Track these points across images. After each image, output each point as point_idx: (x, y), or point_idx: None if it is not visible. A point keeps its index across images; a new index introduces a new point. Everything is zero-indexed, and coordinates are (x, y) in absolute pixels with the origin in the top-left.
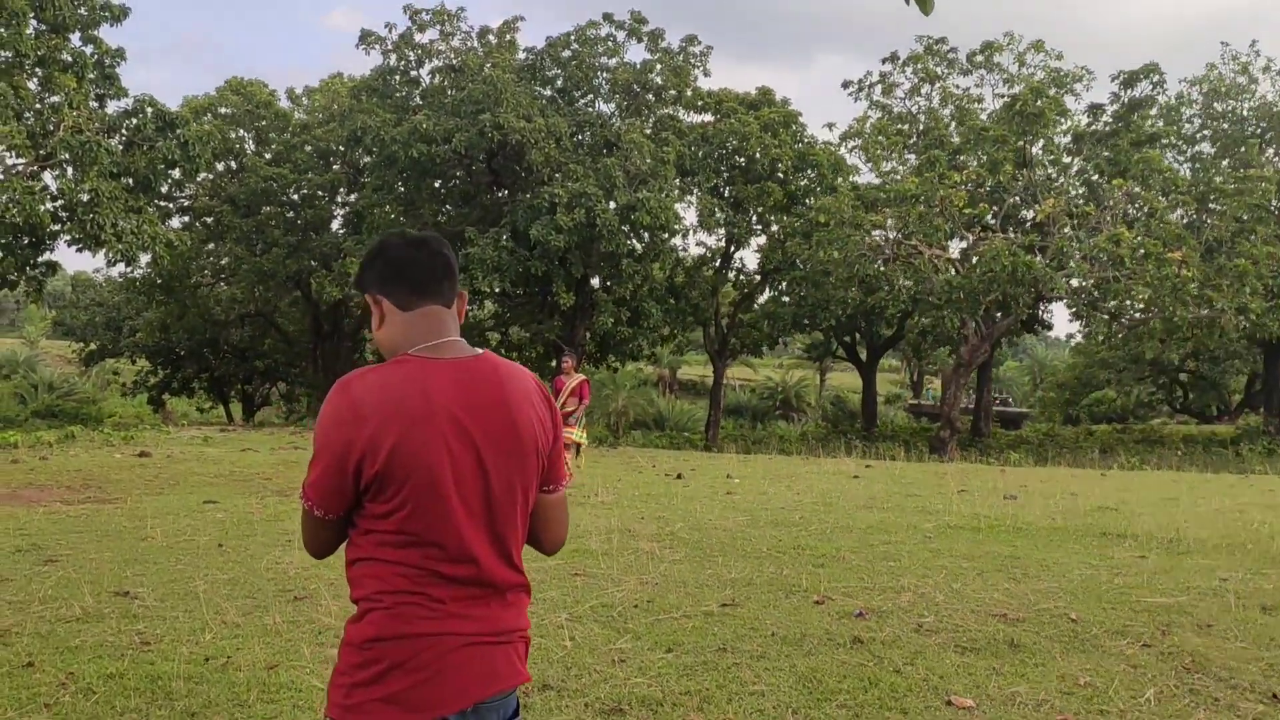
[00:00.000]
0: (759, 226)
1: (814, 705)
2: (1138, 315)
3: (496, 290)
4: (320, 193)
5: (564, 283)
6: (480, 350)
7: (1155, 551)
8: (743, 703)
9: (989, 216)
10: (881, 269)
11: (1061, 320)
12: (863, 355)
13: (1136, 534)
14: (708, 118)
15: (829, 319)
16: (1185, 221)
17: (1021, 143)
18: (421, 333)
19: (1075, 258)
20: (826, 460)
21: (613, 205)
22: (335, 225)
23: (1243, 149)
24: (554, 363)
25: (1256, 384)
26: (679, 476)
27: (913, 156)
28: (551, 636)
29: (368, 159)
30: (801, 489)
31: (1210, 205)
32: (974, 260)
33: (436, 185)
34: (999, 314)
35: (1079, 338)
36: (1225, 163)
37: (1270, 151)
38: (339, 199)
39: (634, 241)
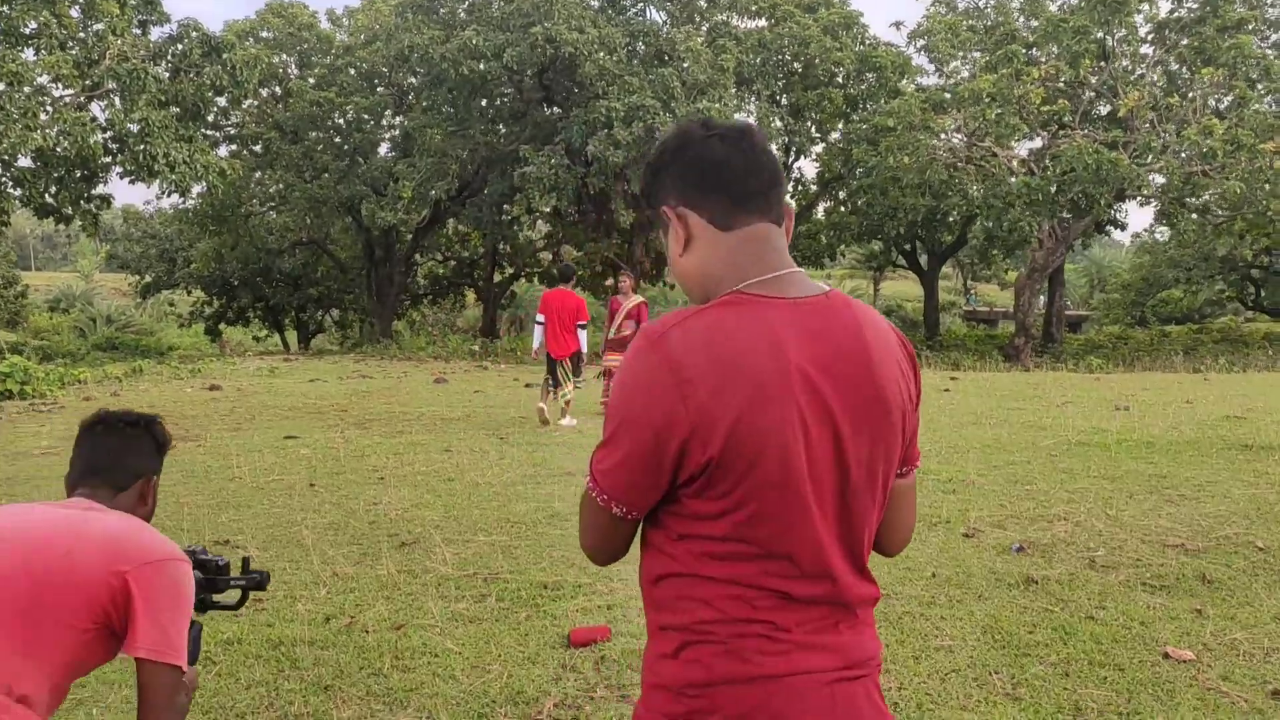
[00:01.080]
0: (817, 135)
1: (1013, 662)
2: (1226, 211)
3: (548, 210)
4: (366, 116)
5: (623, 200)
6: (826, 286)
7: None
8: (931, 660)
9: (1066, 115)
10: (954, 173)
11: (1136, 219)
12: (924, 263)
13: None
14: (762, 23)
15: (896, 227)
16: (1276, 111)
17: (1101, 33)
18: (750, 261)
19: (1162, 152)
20: None
21: (670, 118)
22: (383, 149)
23: None
24: (610, 282)
25: None
26: None
27: (977, 54)
28: None
29: (413, 80)
30: None
31: None
32: (1049, 160)
33: (484, 104)
34: (1069, 216)
35: (1145, 237)
36: None
37: None
38: (385, 122)
39: None
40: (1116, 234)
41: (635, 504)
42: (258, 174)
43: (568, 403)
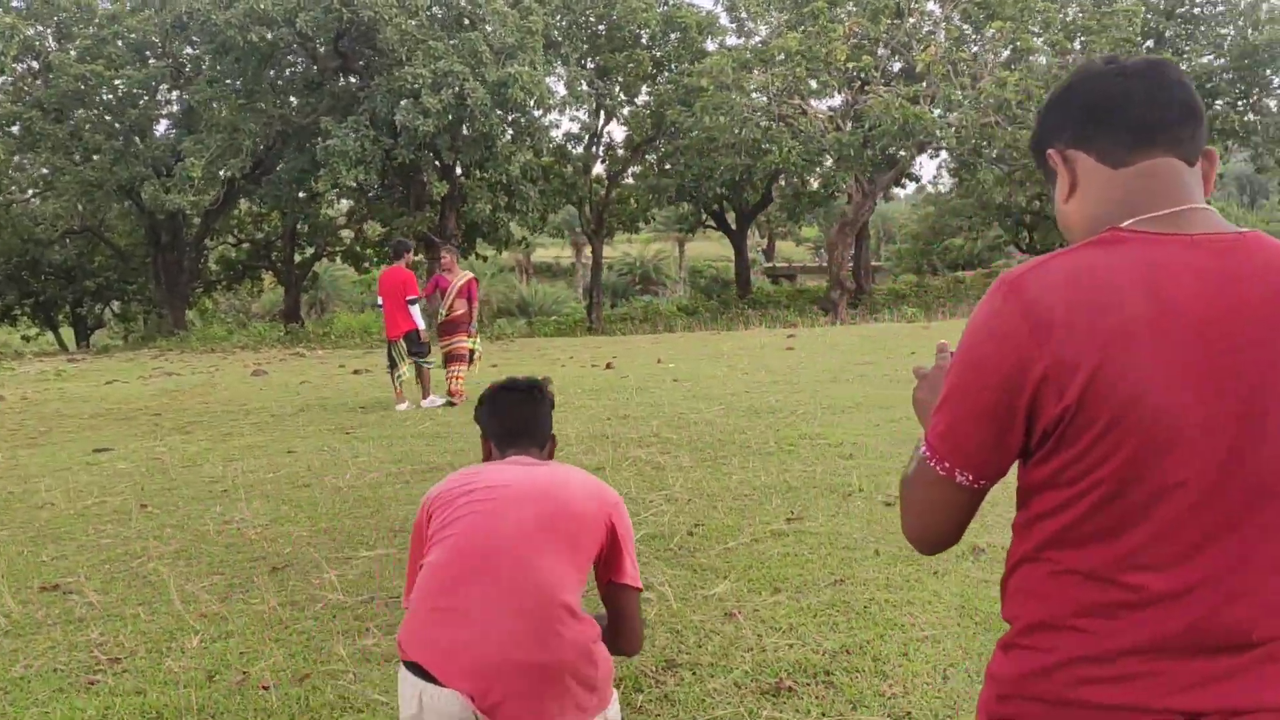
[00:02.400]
0: (624, 97)
1: (979, 648)
2: (1018, 160)
3: (354, 185)
4: (139, 90)
5: (435, 171)
6: (1242, 228)
7: None
8: (922, 655)
9: (871, 70)
10: (768, 130)
11: (925, 171)
12: (732, 223)
13: None
14: None
15: (713, 187)
16: (1059, 62)
17: None
18: (1143, 198)
19: (962, 105)
20: (741, 333)
21: (480, 84)
22: (162, 126)
23: None
24: (420, 258)
25: None
26: (609, 366)
27: (775, 15)
28: None
29: (190, 49)
30: (747, 367)
31: (1074, 44)
32: (855, 116)
33: (274, 74)
34: (875, 170)
35: (929, 189)
36: None
37: None
38: (161, 97)
39: (507, 121)
40: (895, 189)
41: (983, 468)
42: (17, 158)
43: (402, 385)
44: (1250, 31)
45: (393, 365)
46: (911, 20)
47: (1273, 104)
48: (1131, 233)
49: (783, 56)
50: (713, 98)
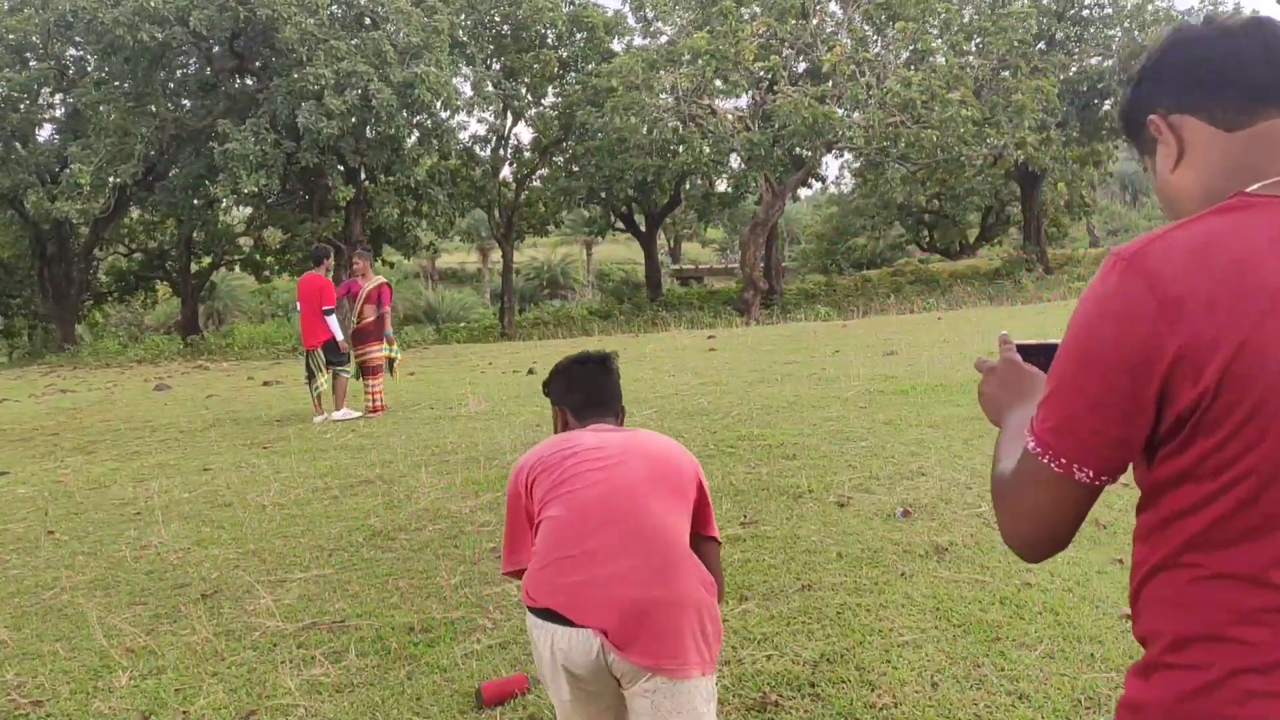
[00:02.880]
0: (531, 98)
1: (989, 650)
2: (922, 160)
3: (255, 191)
4: (19, 94)
5: (340, 175)
6: None
7: None
8: (907, 661)
9: (780, 70)
10: (679, 131)
11: (832, 172)
12: (641, 225)
13: None
14: None
15: (624, 189)
16: (959, 62)
17: None
18: (1268, 159)
19: (868, 105)
20: (660, 335)
21: (386, 85)
22: (46, 131)
23: None
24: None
25: (990, 218)
26: (531, 371)
27: (682, 14)
28: None
29: (74, 50)
30: (672, 369)
31: (970, 45)
32: (763, 116)
33: (164, 75)
34: (785, 170)
35: (833, 189)
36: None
37: None
38: (44, 100)
39: (413, 122)
40: (801, 189)
41: (1105, 463)
42: None
43: (319, 396)
44: (1137, 33)
45: (311, 376)
46: (815, 21)
47: None
48: (1261, 197)
49: (690, 56)
50: (622, 98)
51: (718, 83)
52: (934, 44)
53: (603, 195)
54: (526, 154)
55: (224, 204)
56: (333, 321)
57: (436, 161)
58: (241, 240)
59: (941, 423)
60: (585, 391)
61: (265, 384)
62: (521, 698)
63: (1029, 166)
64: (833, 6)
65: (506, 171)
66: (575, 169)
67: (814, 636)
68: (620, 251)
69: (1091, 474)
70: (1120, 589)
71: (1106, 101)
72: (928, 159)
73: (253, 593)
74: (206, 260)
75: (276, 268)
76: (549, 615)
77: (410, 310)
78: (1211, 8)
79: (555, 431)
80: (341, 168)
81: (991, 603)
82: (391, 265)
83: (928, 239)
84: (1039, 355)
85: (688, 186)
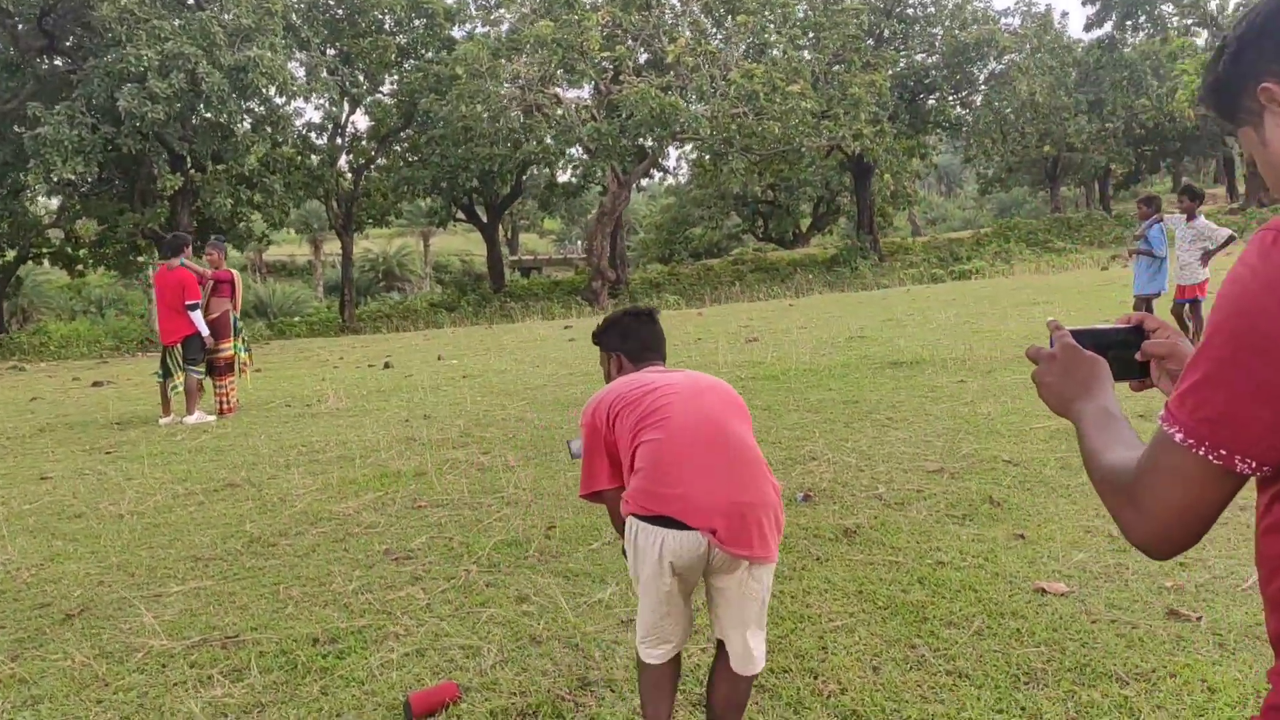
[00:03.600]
0: (367, 85)
1: (920, 630)
2: (764, 150)
3: (71, 178)
4: None
5: (167, 162)
6: None
7: (963, 373)
8: (843, 646)
9: (627, 60)
10: (526, 120)
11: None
12: (483, 216)
13: (921, 360)
14: None
15: (470, 179)
16: (797, 55)
17: None
18: None
19: (714, 96)
20: (514, 326)
21: (215, 68)
22: None
23: None
24: (142, 259)
25: (821, 208)
26: (387, 365)
27: (525, 2)
28: (506, 604)
29: None
30: (535, 360)
31: (805, 39)
32: (608, 106)
33: None
34: (631, 160)
35: (670, 180)
36: None
37: None
38: None
39: (246, 108)
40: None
41: (1269, 453)
42: None
43: (174, 397)
44: (958, 31)
45: (167, 374)
46: (657, 12)
47: (978, 99)
48: None
49: (532, 44)
50: (467, 86)
51: (560, 72)
52: (771, 38)
53: (443, 185)
54: (364, 142)
55: (29, 193)
56: (197, 317)
57: (270, 149)
58: (51, 232)
59: (819, 406)
60: (639, 339)
61: (95, 384)
62: (454, 706)
63: (864, 158)
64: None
65: (344, 161)
66: (416, 158)
67: None
68: (456, 243)
69: (1255, 464)
70: (1026, 563)
71: (932, 96)
72: (769, 149)
73: (127, 610)
74: (11, 254)
75: (91, 261)
76: (660, 521)
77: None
78: (1026, 8)
79: (607, 376)
80: (166, 155)
81: (911, 583)
82: (245, 269)
83: (763, 229)
84: (1088, 339)
85: (528, 177)
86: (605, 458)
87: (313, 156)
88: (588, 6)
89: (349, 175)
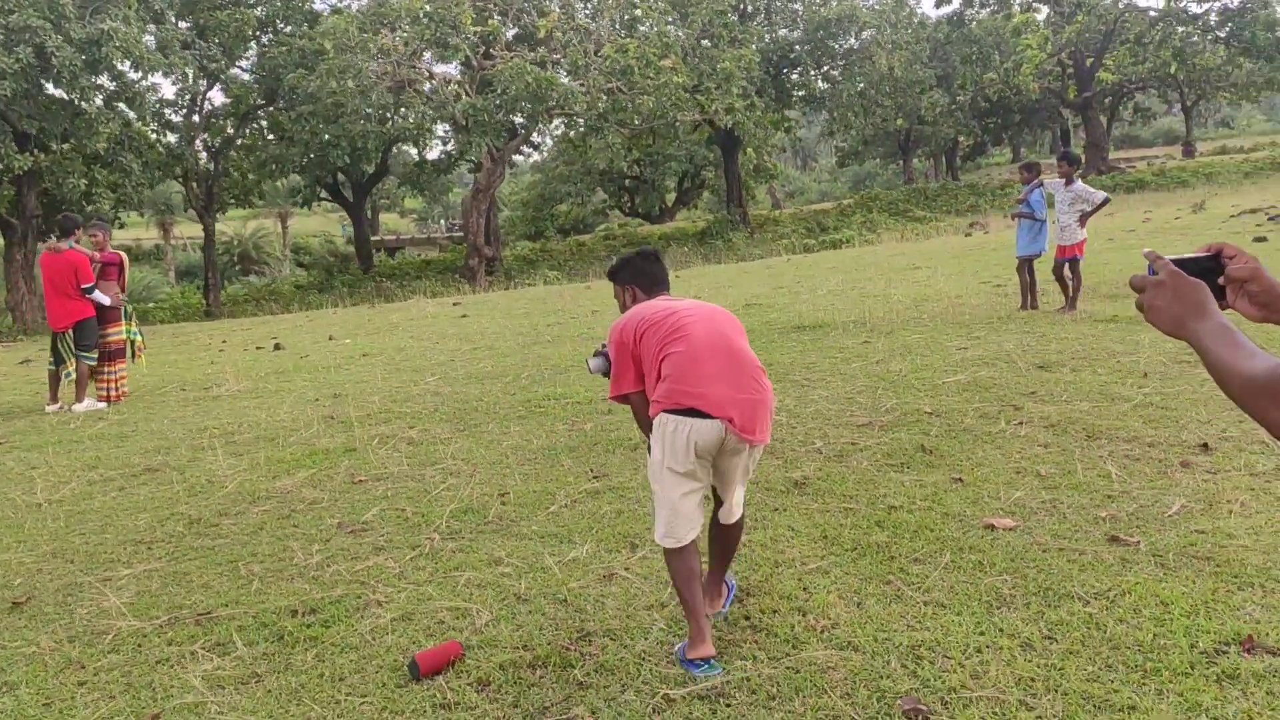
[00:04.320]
0: (224, 60)
1: (889, 568)
2: (639, 124)
3: None
4: None
5: (13, 141)
6: None
7: (865, 334)
8: (821, 586)
9: (500, 34)
10: (399, 96)
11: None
12: (349, 196)
13: (824, 323)
14: None
15: (341, 156)
16: (670, 31)
17: None
18: None
19: (589, 71)
20: (399, 305)
21: (64, 40)
22: None
23: None
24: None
25: (686, 183)
26: (278, 347)
27: None
28: (481, 567)
29: None
30: (432, 336)
31: (671, 15)
32: (486, 81)
33: None
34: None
35: (536, 157)
36: None
37: None
38: None
39: (96, 84)
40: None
41: None
42: None
43: (74, 383)
44: (819, 6)
45: (59, 361)
46: None
47: (838, 74)
48: None
49: (400, 18)
50: (335, 61)
51: (433, 47)
52: (639, 13)
53: (305, 162)
54: (221, 120)
55: None
56: (98, 296)
57: (124, 127)
58: None
59: None
60: (650, 275)
61: None
62: (460, 663)
63: (735, 132)
64: None
65: (201, 139)
66: (281, 136)
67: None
68: (313, 224)
69: None
70: (969, 503)
71: (795, 71)
72: (644, 124)
73: (78, 594)
74: None
75: None
76: (688, 413)
77: None
78: None
79: (622, 305)
80: (12, 134)
81: (870, 527)
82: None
83: (629, 204)
84: (1188, 266)
85: (393, 155)
86: (632, 367)
87: (169, 135)
88: None
89: (205, 155)
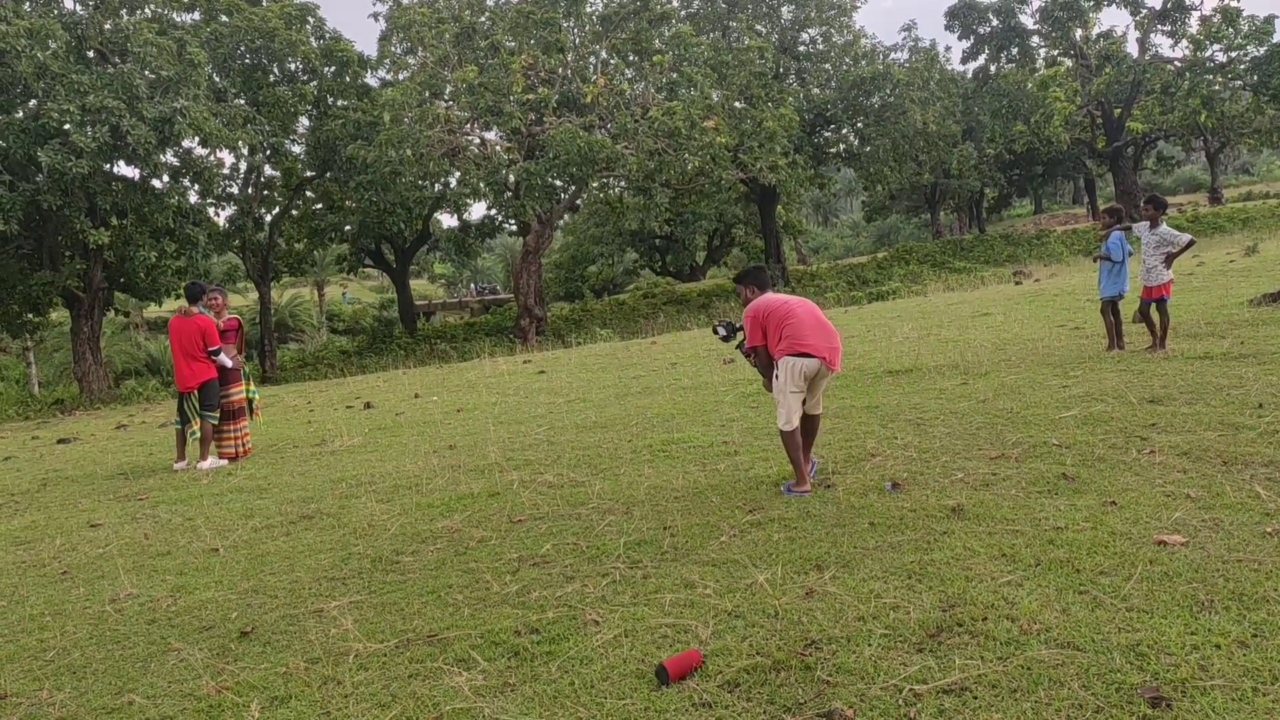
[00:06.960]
0: (281, 134)
1: (1073, 580)
2: (681, 185)
3: None
4: None
5: (88, 216)
6: None
7: (960, 376)
8: (1019, 597)
9: (550, 102)
10: (454, 163)
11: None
12: (392, 261)
13: (914, 368)
14: (195, 16)
15: (396, 222)
16: (714, 93)
17: (568, 23)
18: None
19: (638, 134)
20: (471, 366)
21: (138, 121)
22: None
23: (732, 24)
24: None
25: (715, 240)
26: (368, 406)
27: (446, 45)
28: (679, 589)
29: None
30: (521, 391)
31: (712, 77)
32: (537, 145)
33: None
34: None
35: (565, 219)
36: (713, 36)
37: (759, 26)
38: None
39: (166, 160)
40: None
41: None
42: None
43: (199, 441)
44: (850, 64)
45: (185, 420)
46: (572, 56)
47: (871, 130)
48: None
49: (462, 88)
50: (393, 131)
51: (504, 112)
52: (677, 76)
53: (347, 230)
54: (274, 192)
55: None
56: (225, 360)
57: (192, 201)
58: None
59: (843, 413)
60: (762, 279)
61: (62, 442)
62: (703, 669)
63: (777, 190)
64: (593, 43)
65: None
66: (329, 205)
67: (918, 590)
68: (333, 293)
69: None
70: (1131, 523)
71: (828, 129)
72: (690, 184)
73: (297, 625)
74: None
75: None
76: (800, 355)
77: (129, 364)
78: (913, 43)
79: (744, 299)
80: (88, 209)
81: (1044, 546)
82: (127, 315)
83: (660, 263)
84: None
85: (437, 219)
86: (760, 332)
87: (230, 206)
88: (509, 52)
89: (263, 225)
